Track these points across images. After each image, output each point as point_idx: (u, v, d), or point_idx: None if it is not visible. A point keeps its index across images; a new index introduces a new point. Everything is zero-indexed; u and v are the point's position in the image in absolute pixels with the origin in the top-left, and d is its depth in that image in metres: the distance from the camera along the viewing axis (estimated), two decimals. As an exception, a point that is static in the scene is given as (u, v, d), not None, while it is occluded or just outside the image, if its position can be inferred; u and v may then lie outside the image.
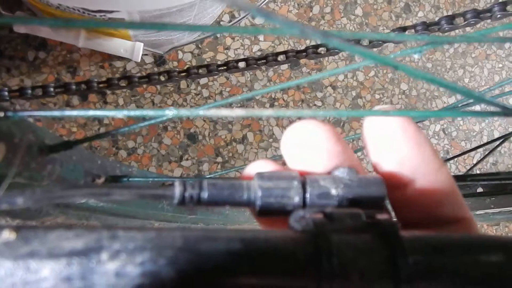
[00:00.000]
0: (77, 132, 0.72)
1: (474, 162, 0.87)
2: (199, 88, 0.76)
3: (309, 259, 0.16)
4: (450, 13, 0.78)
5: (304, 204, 0.21)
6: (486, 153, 0.65)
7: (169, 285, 0.15)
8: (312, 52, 0.44)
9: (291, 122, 0.79)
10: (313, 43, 0.54)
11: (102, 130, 0.73)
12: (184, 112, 0.21)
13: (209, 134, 0.77)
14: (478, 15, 0.39)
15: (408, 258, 0.17)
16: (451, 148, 0.87)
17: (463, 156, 0.85)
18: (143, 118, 0.31)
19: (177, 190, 0.21)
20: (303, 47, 0.45)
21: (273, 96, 0.80)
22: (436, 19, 0.43)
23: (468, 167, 0.88)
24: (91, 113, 0.21)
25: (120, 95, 0.74)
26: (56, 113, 0.22)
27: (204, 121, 0.77)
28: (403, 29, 0.40)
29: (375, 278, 0.16)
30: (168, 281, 0.15)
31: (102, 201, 0.36)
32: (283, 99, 0.80)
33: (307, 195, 0.21)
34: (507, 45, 0.93)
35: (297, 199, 0.21)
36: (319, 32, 0.16)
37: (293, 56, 0.45)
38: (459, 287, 0.16)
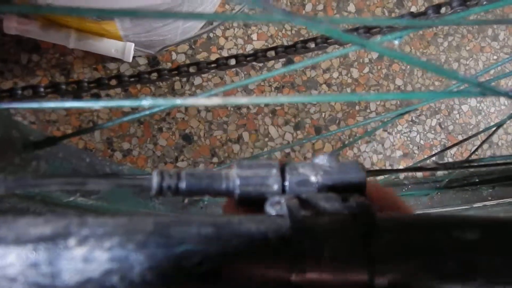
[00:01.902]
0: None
1: (471, 149, 0.86)
2: (193, 88, 0.76)
3: (281, 240, 0.16)
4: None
5: (283, 192, 0.20)
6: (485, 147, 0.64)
7: (137, 269, 0.15)
8: (301, 46, 0.44)
9: (286, 122, 0.79)
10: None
11: (97, 132, 0.73)
12: (161, 101, 0.21)
13: (204, 135, 0.77)
14: (465, 2, 0.39)
15: (382, 237, 0.16)
16: (448, 142, 0.87)
17: (460, 150, 0.85)
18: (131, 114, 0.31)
19: (155, 180, 0.21)
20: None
21: (268, 96, 0.79)
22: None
23: (465, 154, 0.87)
24: (68, 104, 0.21)
25: (114, 97, 0.74)
26: (34, 105, 0.22)
27: (199, 121, 0.77)
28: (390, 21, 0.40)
29: (348, 257, 0.16)
30: (137, 265, 0.15)
31: (91, 198, 0.36)
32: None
33: (286, 183, 0.21)
34: (501, 36, 0.93)
35: (276, 187, 0.21)
36: (305, 18, 0.15)
37: (282, 52, 0.45)
38: (433, 264, 0.16)
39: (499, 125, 0.47)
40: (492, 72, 0.81)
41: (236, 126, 0.77)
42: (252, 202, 0.20)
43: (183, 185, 0.20)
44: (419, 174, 0.85)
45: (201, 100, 0.19)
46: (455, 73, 0.17)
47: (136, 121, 0.74)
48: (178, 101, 0.20)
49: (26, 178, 0.18)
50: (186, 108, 0.76)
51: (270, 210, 0.18)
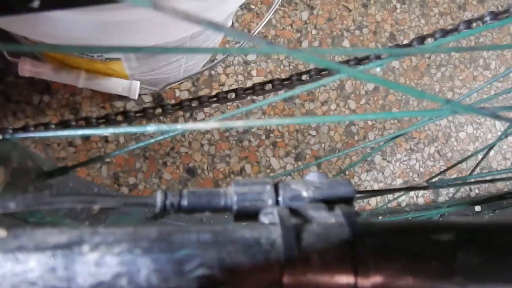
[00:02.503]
0: (79, 171, 0.74)
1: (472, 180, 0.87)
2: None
3: (272, 245, 0.18)
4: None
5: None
6: (485, 175, 0.66)
7: (143, 272, 0.16)
8: (296, 79, 0.47)
9: (287, 153, 0.81)
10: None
11: (104, 167, 0.75)
12: (164, 127, 0.23)
13: (207, 168, 0.79)
14: (446, 34, 0.42)
15: (365, 242, 0.18)
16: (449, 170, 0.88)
17: (458, 175, 0.86)
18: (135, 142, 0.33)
19: (159, 198, 0.23)
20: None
21: (268, 128, 0.82)
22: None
23: (466, 186, 0.88)
24: (81, 132, 0.23)
25: (121, 134, 0.77)
26: (49, 133, 0.24)
27: (202, 155, 0.79)
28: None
29: (335, 260, 0.17)
30: (143, 268, 0.16)
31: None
32: (278, 130, 0.82)
33: (280, 198, 0.23)
34: (492, 65, 0.96)
35: (270, 202, 0.22)
36: (288, 49, 0.18)
37: (279, 84, 0.48)
38: (414, 264, 0.17)
39: (491, 146, 0.49)
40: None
41: (238, 159, 0.79)
42: (248, 216, 0.22)
43: (184, 202, 0.22)
44: (420, 201, 0.86)
45: (200, 125, 0.22)
46: (423, 93, 0.19)
47: (141, 156, 0.77)
48: (179, 126, 0.22)
49: (43, 196, 0.20)
50: (190, 143, 0.78)
51: (264, 219, 0.19)
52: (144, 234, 0.18)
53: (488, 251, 0.18)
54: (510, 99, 0.97)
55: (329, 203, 0.22)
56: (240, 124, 0.22)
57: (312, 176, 0.24)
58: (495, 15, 0.44)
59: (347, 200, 0.23)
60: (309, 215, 0.20)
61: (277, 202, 0.23)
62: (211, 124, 0.22)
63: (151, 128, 0.23)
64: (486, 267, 0.18)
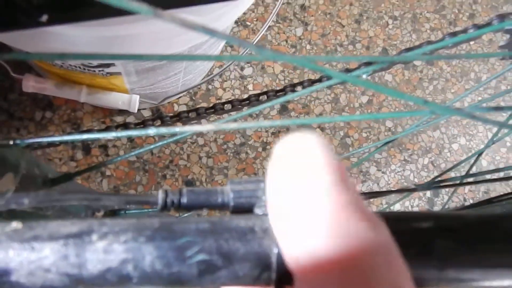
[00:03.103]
0: (81, 183, 0.76)
1: (466, 191, 0.89)
2: (194, 137, 0.81)
3: (265, 232, 0.19)
4: (424, 53, 0.84)
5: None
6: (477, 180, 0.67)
7: (148, 258, 0.18)
8: (290, 90, 0.49)
9: (284, 163, 0.83)
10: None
11: (105, 181, 0.76)
12: (163, 130, 0.25)
13: (206, 180, 0.80)
14: (430, 43, 0.44)
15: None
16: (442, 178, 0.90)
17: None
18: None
19: (160, 196, 0.24)
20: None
21: (265, 141, 0.84)
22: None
23: (460, 196, 0.90)
24: (85, 136, 0.25)
25: (121, 148, 0.79)
26: (56, 138, 0.26)
27: (201, 167, 0.80)
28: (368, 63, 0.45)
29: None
30: (147, 254, 0.18)
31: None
32: (275, 143, 0.84)
33: (273, 194, 0.24)
34: (483, 78, 0.99)
35: (264, 198, 0.24)
36: (287, 55, 0.20)
37: (273, 96, 0.50)
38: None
39: (480, 153, 0.51)
40: (477, 113, 0.85)
41: (236, 171, 0.81)
42: (244, 212, 0.23)
43: (184, 200, 0.24)
44: (415, 210, 0.87)
45: (197, 127, 0.23)
46: (402, 94, 0.21)
47: (141, 169, 0.78)
48: (177, 128, 0.24)
49: (53, 193, 0.21)
50: (188, 156, 0.80)
51: (258, 211, 0.21)
52: (148, 224, 0.19)
53: (463, 237, 0.20)
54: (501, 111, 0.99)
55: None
56: (234, 126, 0.24)
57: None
58: (478, 28, 0.46)
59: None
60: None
61: (270, 198, 0.24)
62: (207, 127, 0.23)
63: (151, 131, 0.24)
64: (461, 252, 0.19)
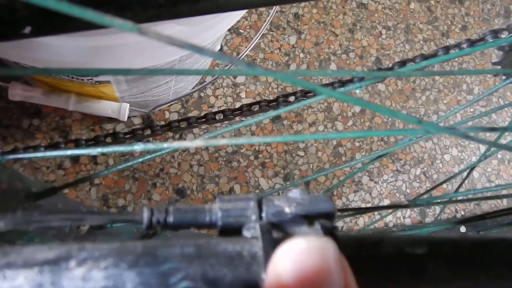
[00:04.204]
0: (69, 193, 0.74)
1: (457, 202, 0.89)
2: (185, 145, 0.80)
3: (254, 257, 0.18)
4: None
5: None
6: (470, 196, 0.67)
7: (129, 285, 0.17)
8: (282, 100, 0.49)
9: (276, 173, 0.82)
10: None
11: (93, 189, 0.75)
12: (150, 146, 0.24)
13: (197, 188, 0.79)
14: (425, 58, 0.43)
15: (343, 253, 0.19)
16: (434, 191, 0.89)
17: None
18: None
19: (145, 215, 0.23)
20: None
21: (257, 149, 0.83)
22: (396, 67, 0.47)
23: (452, 208, 0.90)
24: (69, 152, 0.24)
25: (110, 156, 0.78)
26: (38, 154, 0.25)
27: (192, 176, 0.79)
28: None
29: (313, 272, 0.18)
30: (129, 281, 0.17)
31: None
32: (267, 151, 0.83)
33: (263, 214, 0.23)
34: (475, 90, 0.99)
35: (254, 218, 0.23)
36: (277, 72, 0.19)
37: (266, 106, 0.49)
38: (387, 276, 0.18)
39: (472, 167, 0.50)
40: (470, 123, 0.85)
41: (227, 179, 0.80)
42: (232, 232, 0.22)
43: (170, 219, 0.23)
44: (407, 221, 0.87)
45: (186, 143, 0.22)
46: (396, 113, 0.20)
47: (131, 177, 0.77)
48: (165, 144, 0.23)
49: (32, 214, 0.20)
50: (179, 164, 0.79)
51: (246, 233, 0.20)
52: (130, 248, 0.18)
53: (455, 263, 0.19)
54: (493, 124, 0.99)
55: (311, 218, 0.23)
56: (224, 142, 0.23)
57: (295, 192, 0.25)
58: (472, 43, 0.46)
59: (328, 216, 0.24)
60: (290, 229, 0.20)
61: (260, 218, 0.23)
62: (196, 143, 0.22)
63: (138, 147, 0.23)
64: (454, 279, 0.19)
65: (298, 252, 0.16)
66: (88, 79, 0.51)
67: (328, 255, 0.16)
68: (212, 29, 0.44)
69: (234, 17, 0.46)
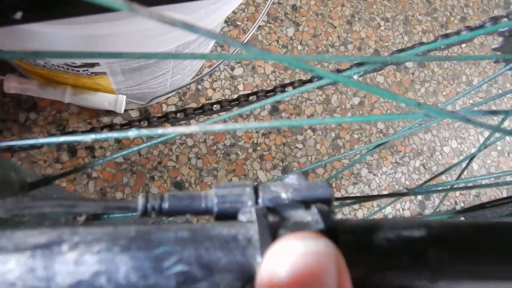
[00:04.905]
0: (67, 186, 0.74)
1: (457, 194, 0.89)
2: (183, 137, 0.80)
3: (249, 241, 0.18)
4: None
5: (256, 206, 0.23)
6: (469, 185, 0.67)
7: (122, 270, 0.17)
8: (280, 90, 0.48)
9: (274, 166, 0.82)
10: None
11: (91, 183, 0.75)
12: (145, 132, 0.23)
13: (195, 181, 0.79)
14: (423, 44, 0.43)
15: (340, 237, 0.19)
16: (433, 182, 0.89)
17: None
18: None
19: (140, 202, 0.23)
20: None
21: (255, 142, 0.83)
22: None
23: (451, 200, 0.89)
24: (62, 139, 0.23)
25: (108, 149, 0.77)
26: (31, 141, 0.25)
27: (190, 169, 0.79)
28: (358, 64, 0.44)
29: (310, 255, 0.18)
30: (122, 265, 0.17)
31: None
32: (265, 144, 0.83)
33: (260, 200, 0.23)
34: (475, 82, 0.99)
35: (250, 203, 0.23)
36: (276, 54, 0.19)
37: (263, 96, 0.49)
38: (386, 259, 0.18)
39: (472, 157, 0.50)
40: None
41: (225, 172, 0.80)
42: (228, 218, 0.22)
43: (166, 205, 0.22)
44: (407, 213, 0.86)
45: (180, 129, 0.22)
46: (396, 96, 0.20)
47: (129, 171, 0.77)
48: (159, 130, 0.23)
49: (23, 200, 0.20)
50: (177, 157, 0.79)
51: (242, 217, 0.20)
52: (123, 232, 0.18)
53: (456, 247, 0.19)
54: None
55: (308, 204, 0.23)
56: (219, 127, 0.23)
57: (292, 178, 0.24)
58: (471, 30, 0.46)
59: (325, 202, 0.23)
60: (286, 213, 0.20)
61: (257, 203, 0.23)
62: (191, 128, 0.22)
63: (132, 133, 0.23)
64: (454, 263, 0.18)
65: (294, 256, 0.16)
66: (83, 70, 0.50)
67: (324, 259, 0.16)
68: (207, 18, 0.44)
69: (230, 6, 0.45)
